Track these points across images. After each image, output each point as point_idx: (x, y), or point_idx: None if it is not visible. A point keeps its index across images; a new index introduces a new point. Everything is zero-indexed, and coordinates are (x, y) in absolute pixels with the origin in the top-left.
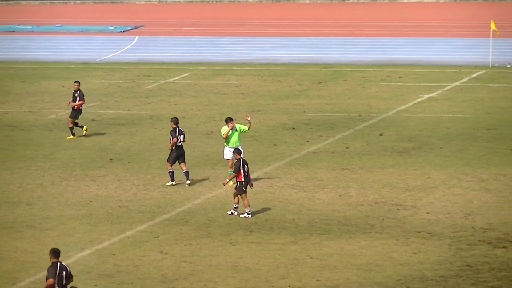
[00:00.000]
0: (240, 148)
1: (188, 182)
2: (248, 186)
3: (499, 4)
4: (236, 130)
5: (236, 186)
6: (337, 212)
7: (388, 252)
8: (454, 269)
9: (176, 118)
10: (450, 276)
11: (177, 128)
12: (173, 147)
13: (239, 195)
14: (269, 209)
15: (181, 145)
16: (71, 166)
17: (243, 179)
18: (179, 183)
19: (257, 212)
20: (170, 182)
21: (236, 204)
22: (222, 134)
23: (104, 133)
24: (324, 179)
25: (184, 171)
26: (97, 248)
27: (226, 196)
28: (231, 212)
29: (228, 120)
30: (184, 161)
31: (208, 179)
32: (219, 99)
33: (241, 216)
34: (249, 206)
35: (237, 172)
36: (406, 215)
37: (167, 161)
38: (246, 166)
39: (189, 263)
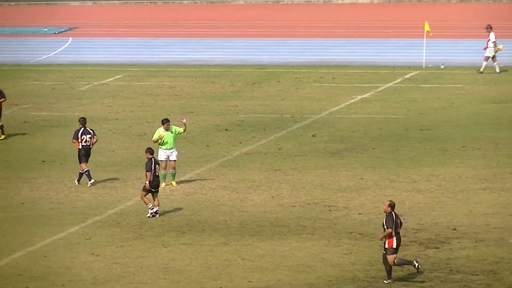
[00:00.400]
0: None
1: (91, 181)
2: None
3: (433, 5)
4: (172, 132)
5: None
6: (269, 214)
7: (319, 253)
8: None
9: (84, 118)
10: (381, 277)
11: (82, 129)
12: (80, 147)
13: (147, 195)
14: (201, 210)
15: (88, 146)
16: (3, 168)
17: (151, 179)
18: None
19: (189, 213)
20: (89, 182)
21: (149, 203)
22: (152, 138)
23: (37, 135)
24: (256, 180)
25: (85, 170)
26: (28, 250)
27: (158, 198)
28: (151, 214)
29: (165, 121)
30: (86, 161)
31: (140, 180)
32: (152, 101)
33: (147, 215)
34: (158, 206)
35: (148, 171)
36: (338, 216)
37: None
38: (157, 165)
39: (120, 265)
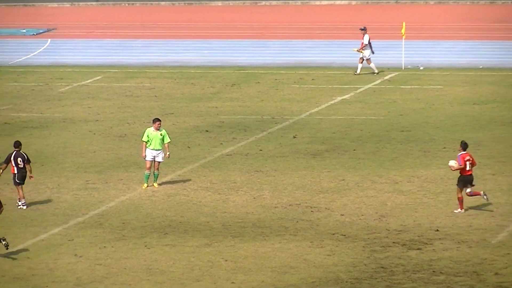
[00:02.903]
0: (18, 141)
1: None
2: (28, 178)
3: (411, 6)
4: (161, 134)
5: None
6: (251, 215)
7: (302, 254)
8: (368, 271)
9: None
10: (364, 278)
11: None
12: (15, 172)
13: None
14: (183, 211)
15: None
16: None
17: (16, 171)
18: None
19: (171, 214)
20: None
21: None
22: (142, 139)
23: (17, 136)
24: (238, 181)
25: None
26: (10, 251)
27: (140, 199)
28: (19, 206)
29: (155, 120)
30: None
31: (122, 181)
32: (132, 102)
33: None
34: (24, 198)
35: (7, 162)
36: (320, 217)
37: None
38: (20, 158)
39: (103, 266)
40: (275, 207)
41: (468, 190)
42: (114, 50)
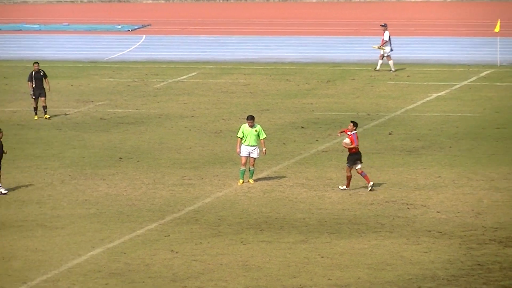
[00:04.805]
0: None
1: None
2: None
3: (506, 3)
4: (256, 131)
5: None
6: (347, 211)
7: (398, 251)
8: (465, 268)
9: None
10: (461, 275)
11: None
12: None
13: None
14: (279, 208)
15: None
16: (80, 165)
17: None
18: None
19: (267, 211)
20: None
21: None
22: (237, 135)
23: (113, 132)
24: (333, 178)
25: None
26: (107, 247)
27: (236, 195)
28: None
29: (249, 117)
30: None
31: (218, 178)
32: (227, 98)
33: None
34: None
35: None
36: (416, 214)
37: None
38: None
39: (200, 262)
40: (371, 204)
41: (359, 166)
42: (209, 46)
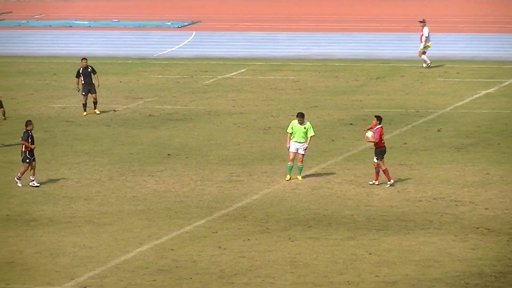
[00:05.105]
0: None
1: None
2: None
3: None
4: (305, 128)
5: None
6: (395, 208)
7: (446, 248)
8: None
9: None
10: (508, 272)
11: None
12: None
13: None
14: (327, 204)
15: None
16: (129, 161)
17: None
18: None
19: (315, 207)
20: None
21: (30, 176)
22: (287, 130)
23: (161, 128)
24: (382, 175)
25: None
26: (155, 243)
27: (284, 192)
28: (33, 185)
29: (299, 115)
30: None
31: (266, 174)
32: (276, 95)
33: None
34: (22, 175)
35: (24, 140)
36: (464, 211)
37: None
38: (32, 139)
39: (247, 259)
40: (419, 201)
41: (375, 160)
42: (259, 43)
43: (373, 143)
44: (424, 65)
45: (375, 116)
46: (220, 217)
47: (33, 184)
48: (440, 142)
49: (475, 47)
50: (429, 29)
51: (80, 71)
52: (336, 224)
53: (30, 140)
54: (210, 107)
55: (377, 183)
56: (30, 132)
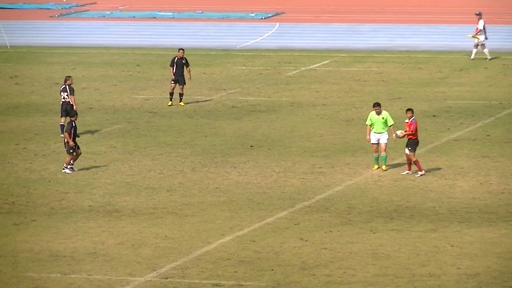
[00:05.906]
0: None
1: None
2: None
3: None
4: (383, 118)
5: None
6: (477, 200)
7: None
8: None
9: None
10: None
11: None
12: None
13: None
14: (409, 196)
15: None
16: (211, 153)
17: (71, 141)
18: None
19: (398, 199)
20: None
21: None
22: (366, 122)
23: (244, 120)
24: (464, 167)
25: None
26: (237, 235)
27: (367, 183)
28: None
29: (375, 105)
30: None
31: (349, 166)
32: (359, 86)
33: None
34: (70, 164)
35: (68, 132)
36: None
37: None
38: (76, 131)
39: (329, 250)
40: (502, 193)
41: (407, 151)
42: (342, 34)
43: (406, 136)
44: (489, 57)
45: (408, 110)
46: (302, 209)
47: (69, 169)
48: None
49: None
50: (481, 21)
51: (175, 60)
52: (419, 216)
53: (73, 132)
54: (293, 99)
55: (410, 172)
56: (74, 123)
